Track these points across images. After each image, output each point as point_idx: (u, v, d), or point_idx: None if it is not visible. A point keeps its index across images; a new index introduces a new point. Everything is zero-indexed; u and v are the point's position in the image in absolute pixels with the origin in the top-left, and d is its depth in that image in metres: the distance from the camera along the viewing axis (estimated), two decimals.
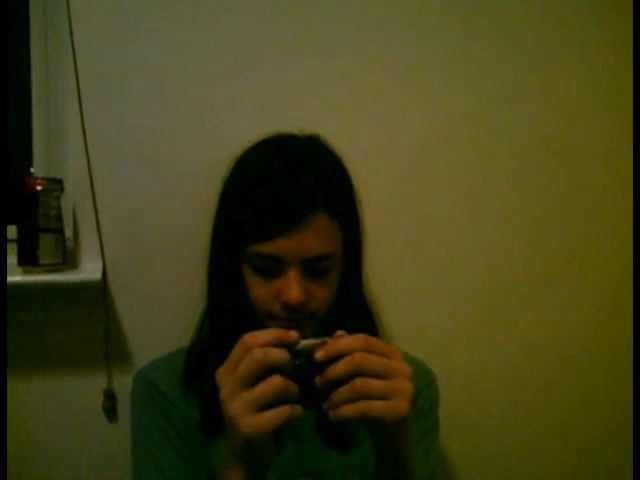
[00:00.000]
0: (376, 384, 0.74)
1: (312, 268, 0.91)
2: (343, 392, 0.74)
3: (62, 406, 1.24)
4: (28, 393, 1.22)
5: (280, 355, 0.74)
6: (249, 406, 0.72)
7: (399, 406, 0.74)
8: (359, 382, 0.74)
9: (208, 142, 1.23)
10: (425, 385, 1.06)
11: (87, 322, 1.22)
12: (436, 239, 1.36)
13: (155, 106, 1.23)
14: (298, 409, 0.74)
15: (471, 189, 1.37)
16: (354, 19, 1.30)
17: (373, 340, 0.77)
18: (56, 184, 1.16)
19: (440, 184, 1.35)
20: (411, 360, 1.08)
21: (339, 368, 0.74)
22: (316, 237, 0.89)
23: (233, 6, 1.25)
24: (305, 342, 0.76)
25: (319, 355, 0.75)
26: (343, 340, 0.76)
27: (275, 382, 0.72)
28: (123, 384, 1.21)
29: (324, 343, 0.76)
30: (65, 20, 1.17)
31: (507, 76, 1.37)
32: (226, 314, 0.99)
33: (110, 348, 1.23)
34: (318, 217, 0.89)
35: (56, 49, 1.24)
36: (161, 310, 1.24)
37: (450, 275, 1.37)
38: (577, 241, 1.43)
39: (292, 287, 0.89)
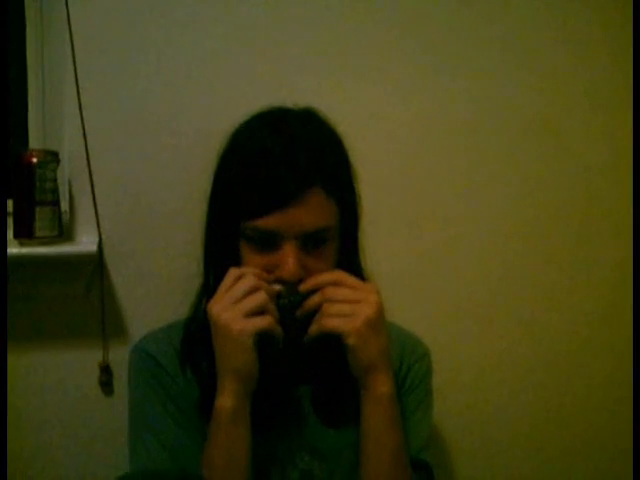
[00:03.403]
0: (339, 306, 0.89)
1: (309, 243, 0.91)
2: (315, 318, 0.91)
3: (58, 379, 1.24)
4: (24, 366, 1.22)
5: (267, 285, 0.90)
6: (239, 313, 0.86)
7: (354, 322, 0.88)
8: (325, 305, 0.90)
9: (205, 116, 1.23)
10: (416, 359, 1.07)
11: (83, 295, 1.23)
12: (434, 219, 1.36)
13: (152, 80, 1.22)
14: (279, 329, 0.89)
15: (469, 169, 1.36)
16: (354, 6, 1.29)
17: (346, 275, 0.92)
18: (52, 156, 1.16)
19: (439, 164, 1.35)
20: (404, 334, 1.10)
21: (313, 300, 0.91)
22: (312, 212, 0.90)
23: None
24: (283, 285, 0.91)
25: (302, 287, 0.91)
26: (320, 275, 0.92)
27: (260, 295, 0.88)
28: (119, 357, 1.22)
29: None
30: None
31: (506, 61, 1.36)
32: None
33: (106, 321, 1.24)
34: (314, 192, 0.89)
35: (52, 22, 1.23)
36: (157, 283, 1.24)
37: (448, 255, 1.37)
38: (576, 223, 1.42)
39: (288, 262, 0.89)
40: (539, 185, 1.40)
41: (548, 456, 1.46)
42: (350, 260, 1.01)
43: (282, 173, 0.89)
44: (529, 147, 1.39)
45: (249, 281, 0.88)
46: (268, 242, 0.91)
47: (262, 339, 0.88)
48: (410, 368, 1.05)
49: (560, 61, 1.39)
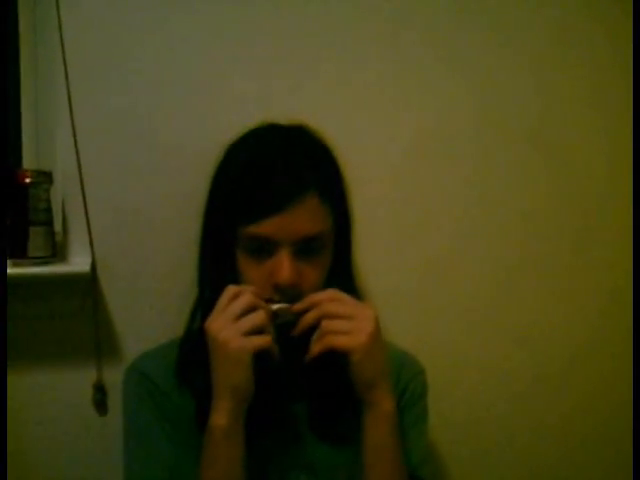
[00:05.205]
0: (340, 322, 0.90)
1: (303, 249, 0.92)
2: (315, 336, 0.91)
3: (52, 400, 1.23)
4: (17, 387, 1.21)
5: (264, 304, 0.90)
6: (238, 331, 0.87)
7: (359, 338, 0.89)
8: (324, 322, 0.90)
9: (199, 134, 1.23)
10: (411, 377, 1.08)
11: (77, 315, 1.22)
12: (430, 233, 1.35)
13: (144, 99, 1.22)
14: (277, 348, 0.90)
15: (465, 180, 1.36)
16: (350, 13, 1.30)
17: (341, 293, 0.93)
18: (45, 176, 1.16)
19: (436, 175, 1.35)
20: (400, 352, 1.10)
21: (309, 316, 0.91)
22: (307, 217, 0.92)
23: None
24: (279, 305, 0.92)
25: (297, 307, 0.92)
26: (314, 294, 0.92)
27: (259, 314, 0.88)
28: (113, 377, 1.21)
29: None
30: (54, 12, 1.17)
31: (503, 70, 1.36)
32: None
33: (100, 341, 1.23)
34: (309, 197, 0.91)
35: (45, 41, 1.23)
36: (151, 302, 1.24)
37: (444, 269, 1.37)
38: (574, 234, 1.42)
39: (284, 267, 0.90)
40: (537, 198, 1.40)
41: (548, 468, 1.45)
42: (343, 270, 1.02)
43: (278, 177, 0.91)
44: (526, 162, 1.39)
45: (247, 299, 0.89)
46: (264, 249, 0.92)
47: (259, 358, 0.88)
48: (407, 386, 1.06)
49: (562, 65, 1.40)
